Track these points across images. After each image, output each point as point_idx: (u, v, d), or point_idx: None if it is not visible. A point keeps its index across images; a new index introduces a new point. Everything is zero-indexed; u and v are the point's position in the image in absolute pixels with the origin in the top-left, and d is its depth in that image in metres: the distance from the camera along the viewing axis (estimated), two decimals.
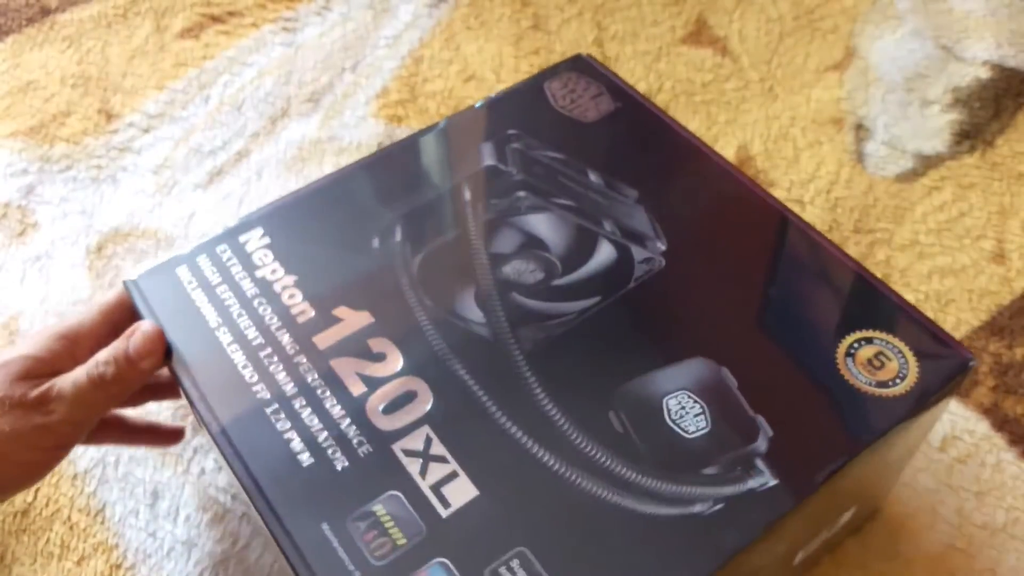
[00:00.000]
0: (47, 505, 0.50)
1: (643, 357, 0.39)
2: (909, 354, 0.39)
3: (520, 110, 0.49)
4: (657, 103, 0.69)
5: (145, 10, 0.77)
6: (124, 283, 0.42)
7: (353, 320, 0.40)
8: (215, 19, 0.76)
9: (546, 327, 0.40)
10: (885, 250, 0.60)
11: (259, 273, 0.42)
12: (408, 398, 0.38)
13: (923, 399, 0.38)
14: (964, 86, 0.70)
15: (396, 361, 0.39)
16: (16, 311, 0.58)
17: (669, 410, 0.37)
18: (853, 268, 0.42)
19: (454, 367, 0.39)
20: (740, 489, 0.35)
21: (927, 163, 0.65)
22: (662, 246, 0.43)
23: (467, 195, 0.45)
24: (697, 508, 0.35)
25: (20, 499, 0.50)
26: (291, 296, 0.41)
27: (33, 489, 0.51)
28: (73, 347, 0.41)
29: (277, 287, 0.42)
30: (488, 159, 0.47)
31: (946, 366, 0.39)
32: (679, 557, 0.34)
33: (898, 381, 0.38)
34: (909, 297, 0.55)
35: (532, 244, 0.43)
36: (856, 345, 0.39)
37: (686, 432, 0.37)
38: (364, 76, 0.72)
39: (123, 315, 0.42)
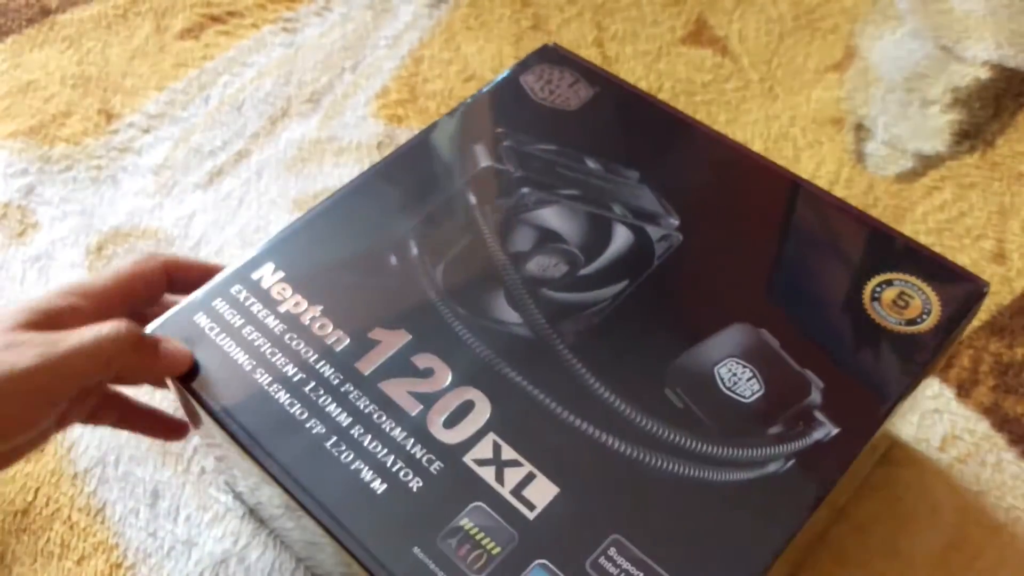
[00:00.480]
0: (47, 504, 0.50)
1: (683, 331, 0.40)
2: (928, 290, 0.41)
3: (502, 108, 0.49)
4: None
5: (145, 11, 0.77)
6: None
7: (391, 340, 0.40)
8: (215, 20, 0.76)
9: (583, 317, 0.40)
10: None
11: (282, 308, 0.41)
12: (466, 408, 0.38)
13: (950, 330, 0.40)
14: (964, 86, 0.70)
15: (445, 374, 0.39)
16: None
17: (722, 379, 0.38)
18: (859, 216, 0.44)
19: (504, 371, 0.39)
20: (807, 443, 0.37)
21: (927, 163, 0.65)
22: (675, 221, 0.44)
23: (472, 199, 0.45)
24: (771, 468, 0.36)
25: (20, 499, 0.50)
26: (321, 326, 0.40)
27: (33, 489, 0.51)
28: (80, 302, 0.39)
29: (305, 319, 0.41)
30: (484, 160, 0.47)
31: (963, 296, 0.41)
32: (766, 517, 0.35)
33: (924, 317, 0.40)
34: None
35: (549, 238, 0.43)
36: (879, 288, 0.41)
37: (743, 397, 0.38)
38: (364, 76, 0.72)
39: (138, 285, 0.41)
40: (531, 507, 0.35)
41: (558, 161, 0.46)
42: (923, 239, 0.60)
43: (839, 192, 0.63)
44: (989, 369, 0.54)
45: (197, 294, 0.42)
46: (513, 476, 0.36)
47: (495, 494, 0.35)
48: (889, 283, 0.41)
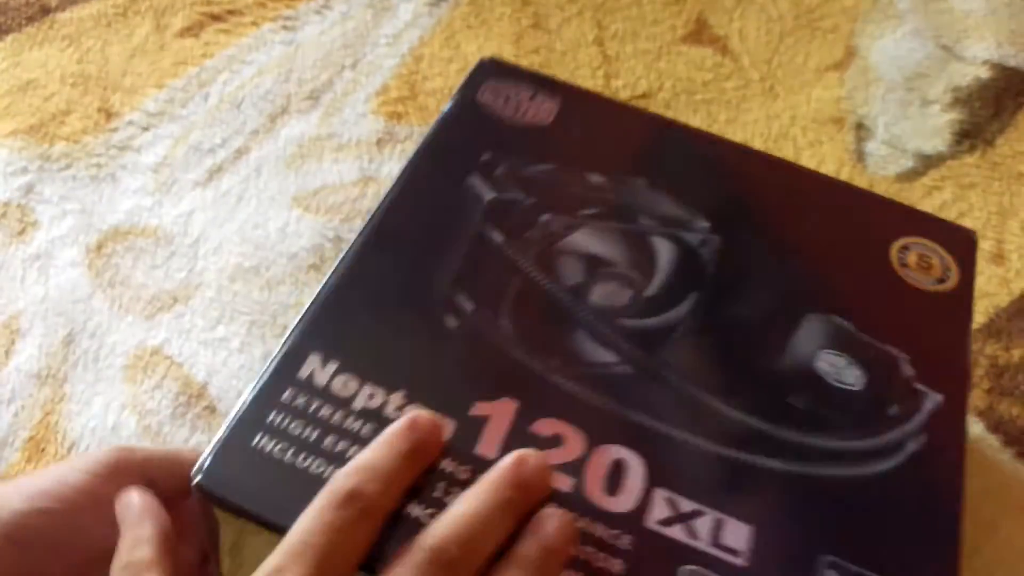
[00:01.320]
0: None
1: (770, 333, 0.39)
2: (936, 247, 0.42)
3: (475, 133, 0.44)
4: (657, 102, 0.69)
5: (145, 9, 0.77)
6: (193, 488, 0.32)
7: (500, 413, 0.35)
8: (215, 18, 0.76)
9: (675, 341, 0.38)
10: None
11: (357, 404, 0.34)
12: (619, 469, 0.34)
13: (971, 282, 0.41)
14: (964, 86, 0.69)
15: (577, 438, 0.34)
16: (16, 310, 0.59)
17: (826, 373, 0.38)
18: (856, 190, 0.45)
19: (632, 417, 0.35)
20: (924, 415, 0.36)
21: (927, 163, 0.65)
22: (705, 224, 0.42)
23: (497, 237, 0.40)
24: (911, 448, 0.36)
25: None
26: None
27: None
28: None
29: (390, 411, 0.34)
30: (487, 193, 0.42)
31: (964, 246, 0.42)
32: (931, 493, 0.34)
33: (949, 274, 0.41)
34: None
35: (596, 264, 0.40)
36: (902, 253, 0.41)
37: (852, 386, 0.37)
38: (364, 74, 0.72)
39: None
40: (736, 553, 0.32)
41: (562, 180, 0.43)
42: None
43: None
44: (985, 372, 0.54)
45: (238, 412, 0.34)
46: (703, 527, 0.33)
47: (697, 552, 0.32)
48: (906, 248, 0.41)
